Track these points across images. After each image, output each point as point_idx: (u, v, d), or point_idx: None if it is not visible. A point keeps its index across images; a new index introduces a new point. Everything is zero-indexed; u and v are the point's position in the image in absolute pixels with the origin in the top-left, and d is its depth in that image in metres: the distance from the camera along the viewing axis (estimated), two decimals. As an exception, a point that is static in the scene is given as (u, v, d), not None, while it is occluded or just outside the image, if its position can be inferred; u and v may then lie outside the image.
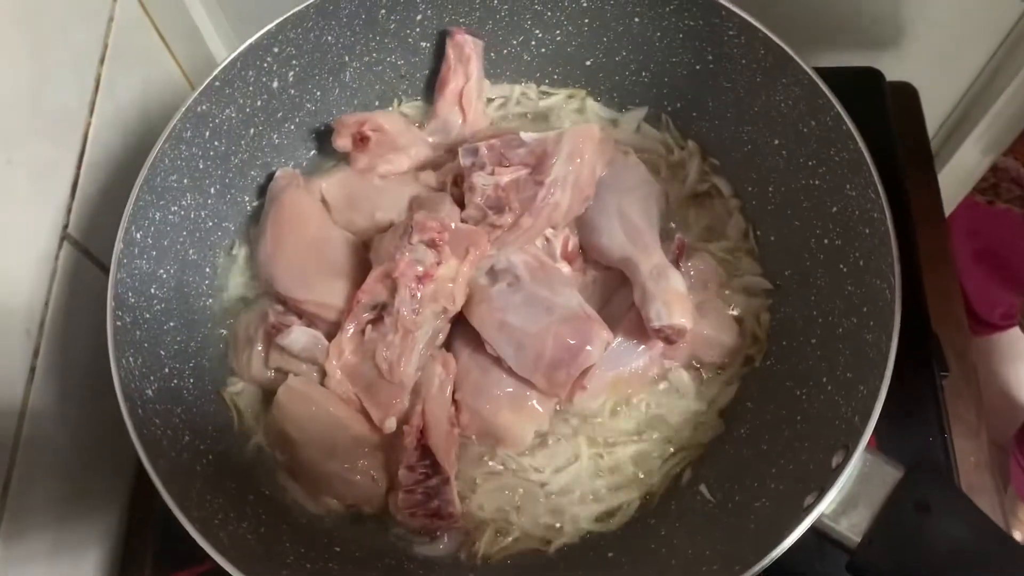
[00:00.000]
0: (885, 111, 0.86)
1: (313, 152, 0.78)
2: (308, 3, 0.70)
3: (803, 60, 0.66)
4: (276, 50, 0.70)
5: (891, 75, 0.89)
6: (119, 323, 0.61)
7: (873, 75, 0.88)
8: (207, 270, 0.71)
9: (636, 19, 0.73)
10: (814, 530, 0.54)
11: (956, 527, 0.53)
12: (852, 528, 0.53)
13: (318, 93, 0.76)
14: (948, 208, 0.95)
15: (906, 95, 0.91)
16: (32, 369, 0.62)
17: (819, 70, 0.65)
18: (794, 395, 0.65)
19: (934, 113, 0.94)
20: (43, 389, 0.63)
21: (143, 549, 0.73)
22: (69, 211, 0.67)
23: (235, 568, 0.54)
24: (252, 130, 0.72)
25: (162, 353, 0.65)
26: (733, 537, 0.60)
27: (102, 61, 0.71)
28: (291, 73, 0.73)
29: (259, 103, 0.72)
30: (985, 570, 0.51)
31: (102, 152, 0.70)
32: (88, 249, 0.68)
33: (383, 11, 0.73)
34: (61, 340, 0.65)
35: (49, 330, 0.64)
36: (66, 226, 0.66)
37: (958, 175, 1.04)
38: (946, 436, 0.73)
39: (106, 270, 0.63)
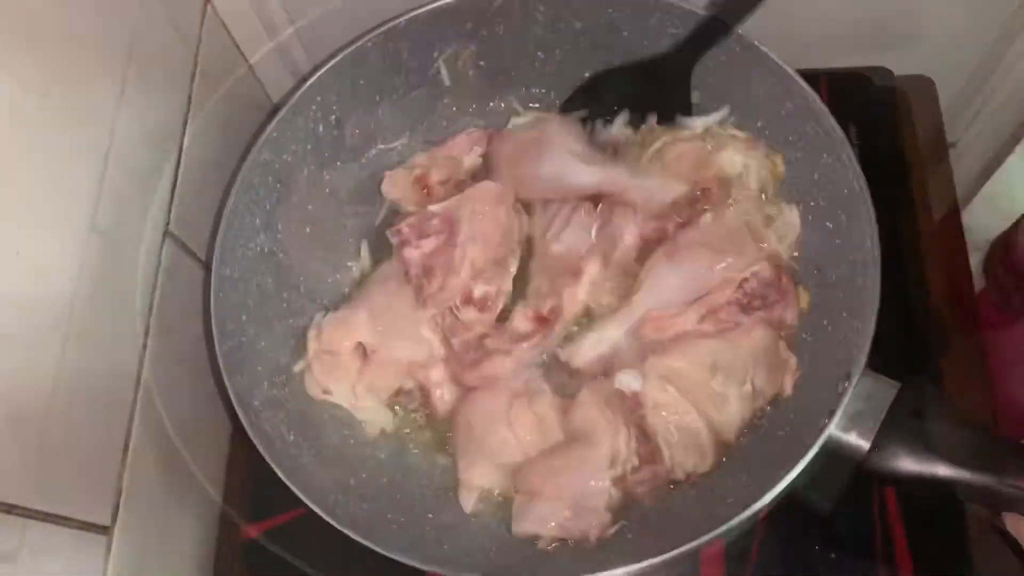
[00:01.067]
0: (895, 106, 0.95)
1: (361, 181, 0.89)
2: (343, 56, 0.81)
3: (813, 62, 0.76)
4: (319, 99, 0.81)
5: (907, 69, 0.96)
6: (225, 348, 0.72)
7: (884, 72, 0.97)
8: (283, 295, 0.82)
9: (624, 33, 0.84)
10: (830, 445, 0.65)
11: (948, 428, 0.63)
12: (860, 438, 0.64)
13: (357, 130, 0.86)
14: (964, 200, 1.01)
15: (922, 87, 0.98)
16: (144, 347, 0.72)
17: (831, 71, 0.75)
18: (800, 338, 0.76)
19: (951, 102, 1.00)
20: (153, 363, 0.73)
21: (242, 503, 0.85)
22: (170, 210, 0.77)
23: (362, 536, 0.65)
24: (305, 170, 0.83)
25: (260, 369, 0.76)
26: (761, 463, 0.71)
27: (193, 79, 0.82)
28: (333, 117, 0.83)
29: (308, 146, 0.82)
30: (971, 460, 0.61)
31: (196, 156, 0.81)
32: (186, 244, 0.80)
33: (405, 54, 0.84)
34: (166, 322, 0.75)
35: (156, 314, 0.74)
36: (168, 223, 0.77)
37: (975, 166, 1.11)
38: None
39: (201, 262, 0.78)
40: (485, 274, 0.80)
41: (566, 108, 0.88)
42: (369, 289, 0.82)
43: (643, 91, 0.85)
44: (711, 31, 0.78)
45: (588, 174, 0.80)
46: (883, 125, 0.94)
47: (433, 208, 0.81)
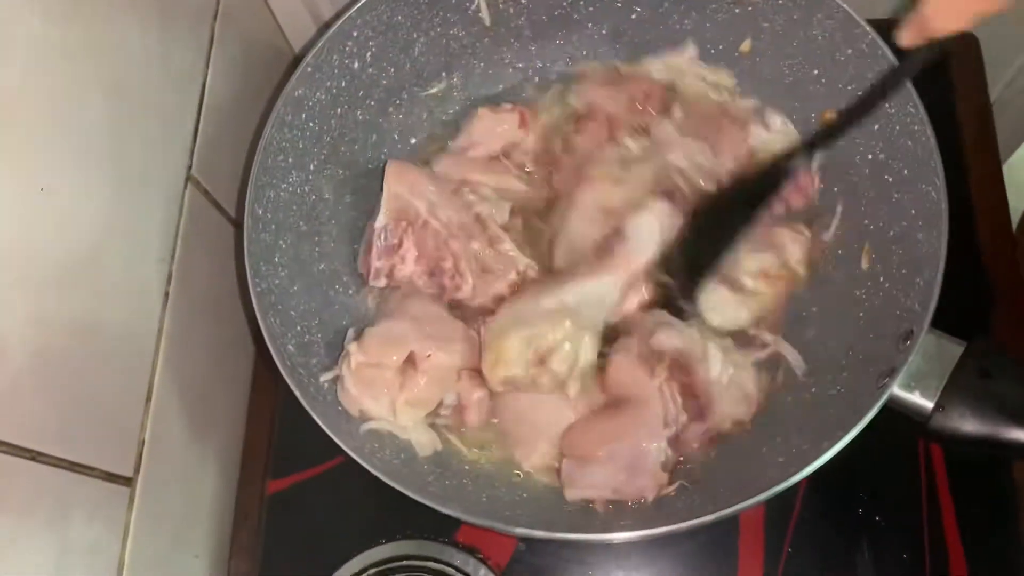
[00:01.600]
0: (942, 64, 0.92)
1: (392, 124, 0.85)
2: (379, -12, 0.77)
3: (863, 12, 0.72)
4: (356, 34, 0.78)
5: None
6: (258, 289, 0.69)
7: None
8: (315, 238, 0.79)
9: (677, -31, 0.80)
10: (891, 405, 0.62)
11: (1014, 388, 0.61)
12: (924, 398, 0.62)
13: (392, 69, 0.83)
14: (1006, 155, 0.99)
15: (967, 44, 0.95)
16: (166, 294, 0.70)
17: (874, 22, 0.71)
18: (853, 296, 0.73)
19: (996, 64, 0.97)
20: (175, 312, 0.71)
21: (262, 456, 0.83)
22: (192, 154, 0.75)
23: (395, 483, 0.62)
24: (339, 109, 0.80)
25: (293, 313, 0.73)
26: (815, 423, 0.68)
27: (215, 18, 0.79)
28: (368, 54, 0.80)
29: (343, 84, 0.79)
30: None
31: (217, 100, 0.78)
32: (208, 191, 0.77)
33: (444, -11, 0.80)
34: (188, 270, 0.73)
35: (179, 260, 0.72)
36: (190, 167, 0.74)
37: (1018, 125, 1.09)
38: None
39: (224, 211, 0.76)
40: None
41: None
42: (402, 300, 0.78)
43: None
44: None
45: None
46: (930, 83, 0.90)
47: (376, 224, 0.77)
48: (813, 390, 0.71)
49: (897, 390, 0.62)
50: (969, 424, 0.60)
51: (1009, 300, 0.83)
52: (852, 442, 0.61)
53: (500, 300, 0.75)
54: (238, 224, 0.82)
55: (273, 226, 0.73)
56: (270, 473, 0.82)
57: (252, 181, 0.71)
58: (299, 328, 0.73)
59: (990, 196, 0.88)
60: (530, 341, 0.68)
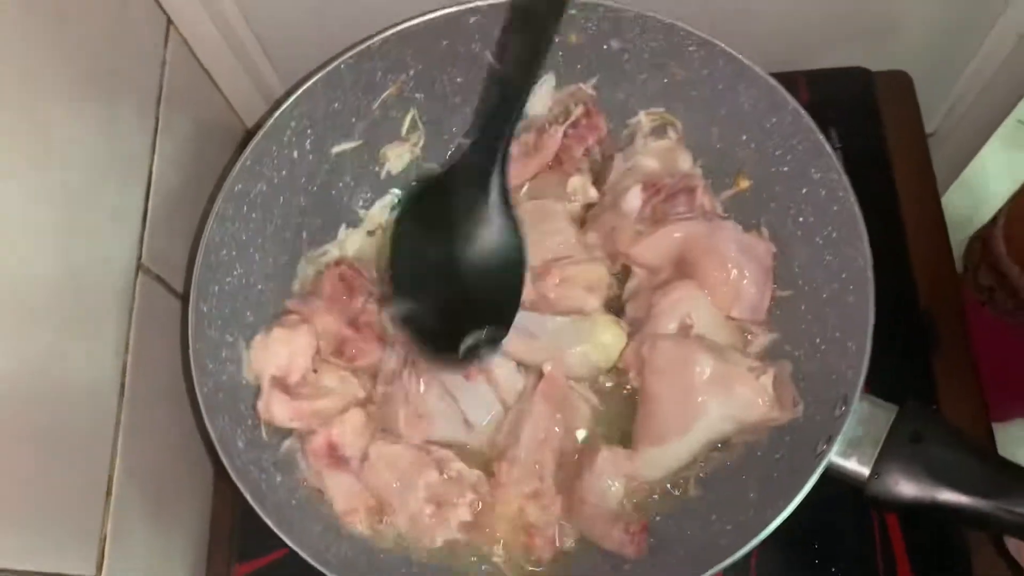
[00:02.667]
0: (874, 102, 0.95)
1: (336, 206, 0.86)
2: (315, 79, 0.78)
3: (794, 64, 0.74)
4: (293, 124, 0.79)
5: (886, 65, 0.97)
6: (205, 390, 0.69)
7: (861, 72, 0.97)
8: (262, 327, 0.80)
9: (604, 46, 0.82)
10: (830, 472, 0.64)
11: (947, 452, 0.62)
12: (860, 464, 0.63)
13: (332, 154, 0.84)
14: (943, 188, 1.01)
15: (901, 82, 0.98)
16: (122, 386, 0.70)
17: (805, 72, 0.73)
18: (793, 356, 0.75)
19: (931, 99, 1.00)
20: (132, 403, 0.71)
21: (226, 541, 0.84)
22: (141, 243, 0.75)
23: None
24: (281, 198, 0.81)
25: (242, 407, 0.73)
26: (760, 489, 0.69)
27: (159, 102, 0.80)
28: (308, 142, 0.81)
29: (284, 173, 0.80)
30: (972, 484, 0.60)
31: (166, 187, 0.79)
32: (160, 276, 0.77)
33: (379, 73, 0.82)
34: (144, 358, 0.73)
35: (134, 350, 0.72)
36: (140, 256, 0.75)
37: (956, 157, 1.14)
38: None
39: (176, 294, 0.76)
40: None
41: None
42: None
43: None
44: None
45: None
46: (863, 125, 0.94)
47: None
48: (759, 453, 0.73)
49: (835, 457, 0.63)
50: (904, 489, 0.61)
51: (953, 347, 0.85)
52: (807, 500, 0.62)
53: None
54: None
55: (219, 321, 0.74)
56: (235, 557, 0.82)
57: (195, 280, 0.72)
58: (249, 422, 0.73)
59: (930, 237, 0.91)
60: None
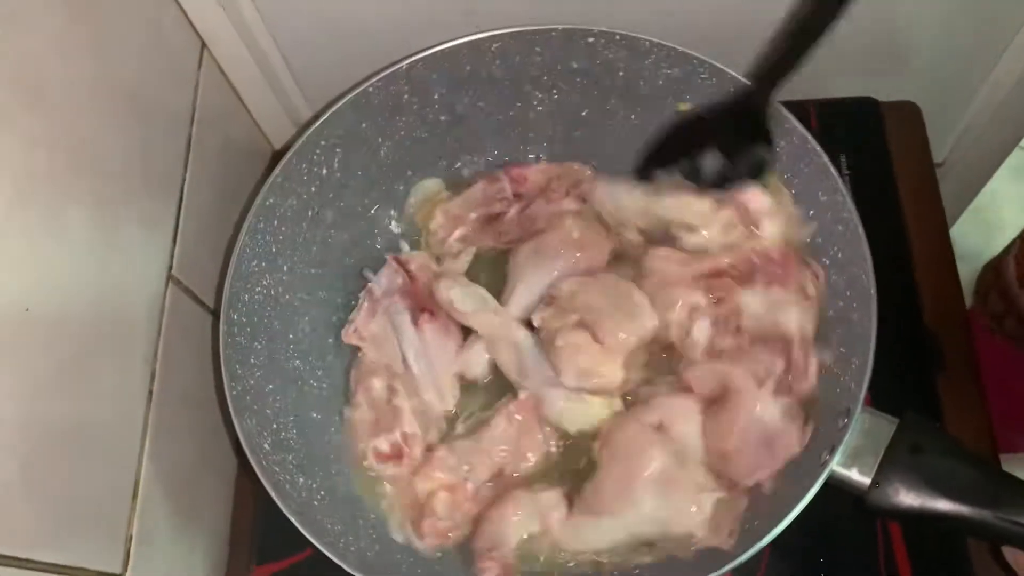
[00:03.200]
0: (882, 131, 0.97)
1: (362, 222, 0.90)
2: (344, 101, 0.82)
3: (799, 93, 0.77)
4: (323, 143, 0.83)
5: (894, 95, 0.99)
6: (234, 392, 0.73)
7: (869, 102, 0.99)
8: (289, 335, 0.83)
9: (620, 73, 0.86)
10: (831, 481, 0.66)
11: (946, 462, 0.65)
12: (861, 474, 0.65)
13: (359, 172, 0.88)
14: (952, 219, 1.03)
15: (909, 113, 1.00)
16: (150, 392, 0.74)
17: (814, 101, 0.76)
18: (802, 371, 0.78)
19: (939, 129, 1.02)
20: (159, 409, 0.74)
21: (247, 543, 0.86)
22: (172, 255, 0.79)
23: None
24: (310, 212, 0.84)
25: (268, 412, 0.76)
26: (763, 498, 0.72)
27: (192, 123, 0.84)
28: (336, 160, 0.85)
29: (313, 189, 0.84)
30: (970, 494, 0.63)
31: (196, 203, 0.83)
32: (189, 288, 0.81)
33: (405, 96, 0.86)
34: (171, 366, 0.76)
35: (162, 358, 0.75)
36: (171, 268, 0.78)
37: (964, 187, 1.16)
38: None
39: (204, 306, 0.80)
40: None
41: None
42: None
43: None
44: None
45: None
46: (871, 153, 0.97)
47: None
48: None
49: (836, 467, 0.66)
50: (903, 498, 0.64)
51: (957, 368, 0.87)
52: (813, 509, 0.64)
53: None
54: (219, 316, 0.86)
55: (248, 329, 0.78)
56: (255, 559, 0.85)
57: (227, 288, 0.75)
58: (275, 426, 0.76)
59: (938, 264, 0.93)
60: None
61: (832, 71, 0.97)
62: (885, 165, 0.96)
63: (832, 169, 0.74)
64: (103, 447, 0.68)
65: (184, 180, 0.83)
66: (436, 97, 0.87)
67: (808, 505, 0.64)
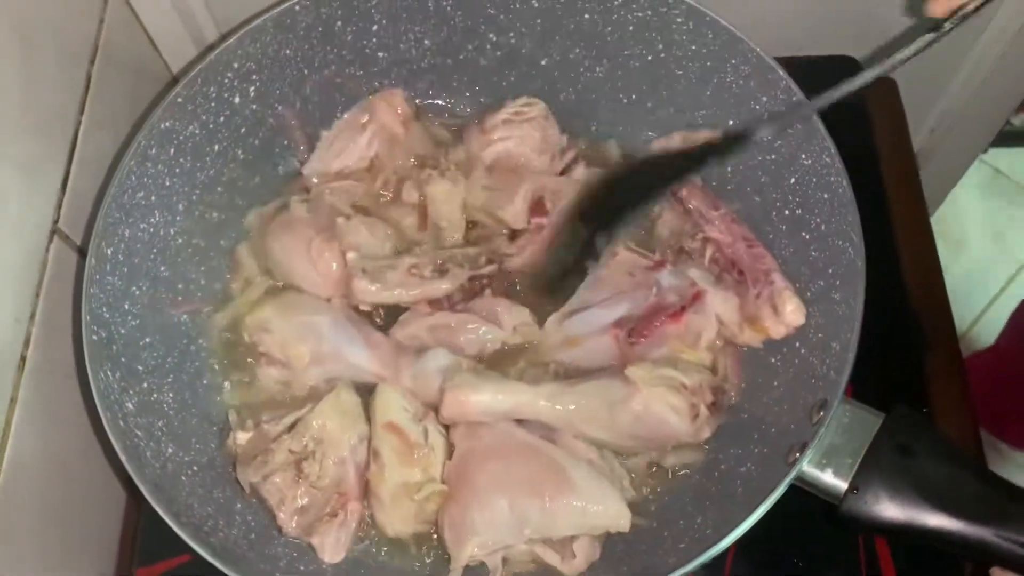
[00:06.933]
0: (862, 97, 0.87)
1: (280, 166, 0.78)
2: (265, 17, 0.71)
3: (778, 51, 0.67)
4: (236, 65, 0.71)
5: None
6: (95, 337, 0.61)
7: (848, 62, 0.89)
8: (179, 286, 0.71)
9: (586, 15, 0.75)
10: (800, 484, 0.55)
11: (939, 467, 0.54)
12: (837, 477, 0.54)
13: (279, 107, 0.76)
14: (933, 207, 0.95)
15: (886, 88, 0.91)
16: (23, 358, 0.62)
17: (790, 59, 0.67)
18: (768, 363, 0.67)
19: (916, 109, 0.94)
20: (34, 379, 0.63)
21: (134, 541, 0.73)
22: (59, 206, 0.67)
23: (230, 570, 0.53)
24: (216, 146, 0.73)
25: (139, 368, 0.65)
26: (721, 503, 0.60)
27: (92, 61, 0.73)
28: (252, 88, 0.73)
29: (222, 119, 0.72)
30: (964, 506, 0.52)
31: (94, 150, 0.71)
32: (79, 244, 0.69)
33: (339, 23, 0.74)
34: (52, 331, 0.65)
35: (40, 322, 0.64)
36: (56, 220, 0.67)
37: (943, 171, 1.07)
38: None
39: None
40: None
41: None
42: None
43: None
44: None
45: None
46: (849, 125, 0.85)
47: None
48: (722, 467, 0.64)
49: (807, 468, 0.55)
50: (886, 508, 0.53)
51: (943, 356, 0.77)
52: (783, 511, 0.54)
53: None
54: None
55: (125, 269, 0.66)
56: (137, 562, 0.71)
57: (102, 216, 0.64)
58: (146, 385, 0.64)
59: (917, 245, 0.83)
60: None
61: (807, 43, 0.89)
62: (867, 145, 0.86)
63: (822, 129, 0.64)
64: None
65: (79, 124, 0.71)
66: (375, 28, 0.76)
67: (781, 504, 0.53)
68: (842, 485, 0.54)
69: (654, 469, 0.65)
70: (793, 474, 0.54)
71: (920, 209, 0.85)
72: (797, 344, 0.65)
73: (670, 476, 0.65)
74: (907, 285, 0.78)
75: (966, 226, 1.60)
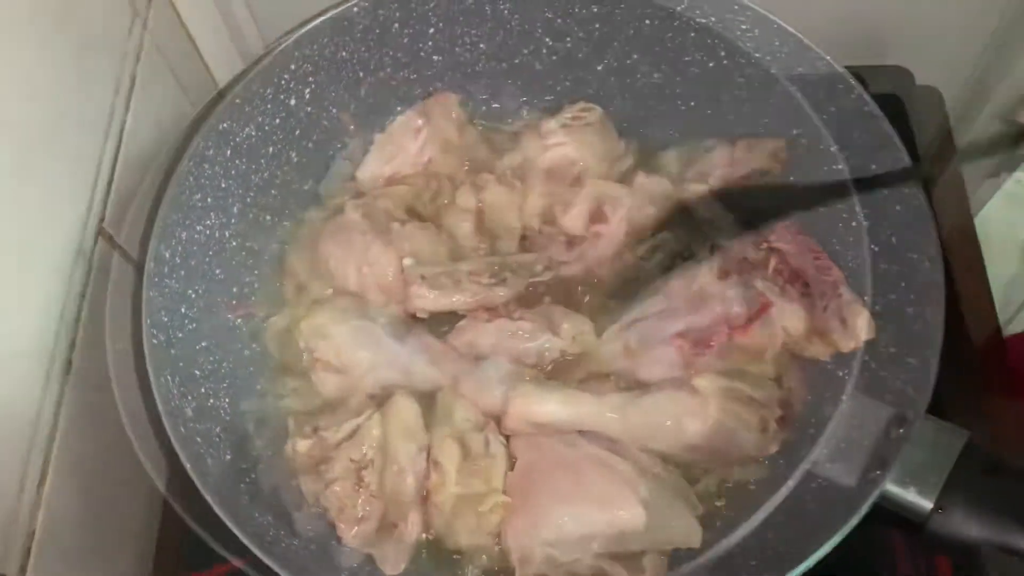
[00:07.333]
0: (912, 107, 0.87)
1: (334, 169, 0.77)
2: (323, 19, 0.70)
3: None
4: (293, 67, 0.71)
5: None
6: (155, 341, 0.59)
7: (902, 73, 0.88)
8: (233, 289, 0.70)
9: (647, 21, 0.74)
10: (884, 503, 0.54)
11: (1025, 487, 0.52)
12: (921, 496, 0.53)
13: (334, 110, 0.75)
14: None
15: (932, 98, 0.91)
16: (69, 362, 0.61)
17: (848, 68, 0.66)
18: (835, 376, 0.65)
19: (960, 117, 0.94)
20: (78, 384, 0.62)
21: (175, 547, 0.71)
22: (105, 205, 0.66)
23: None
24: (271, 148, 0.72)
25: (197, 373, 0.63)
26: (790, 518, 0.59)
27: (137, 60, 0.72)
28: (307, 90, 0.73)
29: (277, 120, 0.72)
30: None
31: (137, 151, 0.70)
32: (123, 246, 0.67)
33: (396, 25, 0.74)
34: (95, 336, 0.63)
35: (86, 324, 0.63)
36: (102, 219, 0.66)
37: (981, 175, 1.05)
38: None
39: (137, 266, 0.64)
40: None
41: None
42: None
43: None
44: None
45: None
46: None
47: None
48: (790, 483, 0.62)
49: (890, 486, 0.53)
50: (974, 528, 0.51)
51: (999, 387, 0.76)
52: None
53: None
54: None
55: (182, 272, 0.65)
56: (183, 566, 0.70)
57: (160, 217, 0.63)
58: (203, 390, 0.63)
59: (965, 250, 0.83)
60: None
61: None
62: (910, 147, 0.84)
63: (895, 137, 0.63)
64: (4, 424, 0.55)
65: (125, 123, 0.69)
66: (431, 31, 0.75)
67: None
68: (927, 504, 0.53)
69: (724, 484, 0.64)
70: (877, 492, 0.53)
71: (966, 218, 0.84)
72: (867, 358, 0.63)
73: (737, 491, 0.64)
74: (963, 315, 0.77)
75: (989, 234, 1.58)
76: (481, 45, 0.78)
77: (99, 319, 0.63)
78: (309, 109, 0.74)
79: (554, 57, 0.78)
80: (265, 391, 0.68)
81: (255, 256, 0.72)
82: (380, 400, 0.66)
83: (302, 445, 0.62)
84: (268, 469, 0.64)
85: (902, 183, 0.62)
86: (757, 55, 0.71)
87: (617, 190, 0.73)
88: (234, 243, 0.70)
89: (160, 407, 0.57)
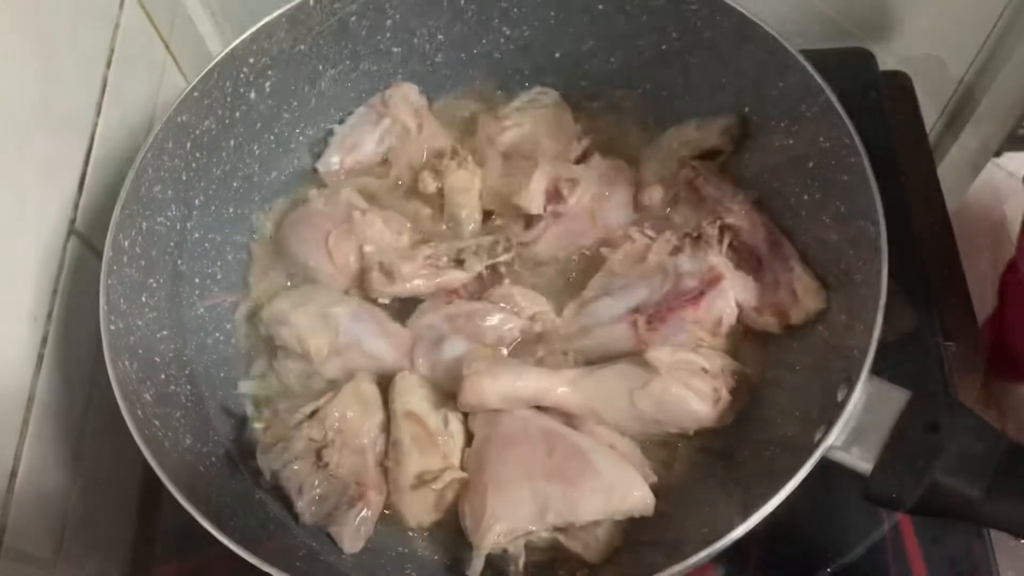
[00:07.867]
0: (878, 91, 0.86)
1: (295, 161, 0.78)
2: (279, 13, 0.71)
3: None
4: (252, 60, 0.71)
5: (884, 65, 0.89)
6: (113, 328, 0.60)
7: (864, 56, 0.89)
8: (196, 280, 0.71)
9: (600, 6, 0.75)
10: (826, 464, 0.54)
11: (968, 443, 0.52)
12: (863, 456, 0.53)
13: (295, 103, 0.76)
14: (951, 201, 0.95)
15: (900, 84, 0.90)
16: (40, 356, 0.62)
17: (807, 52, 0.66)
18: (790, 347, 0.66)
19: (930, 102, 0.94)
20: (50, 377, 0.63)
21: (153, 537, 0.72)
22: (76, 207, 0.67)
23: (256, 559, 0.53)
24: (232, 141, 0.73)
25: (157, 360, 0.64)
26: (746, 487, 0.59)
27: (108, 65, 0.73)
28: (267, 83, 0.74)
29: (237, 114, 0.73)
30: (1001, 481, 0.50)
31: (109, 152, 0.71)
32: (94, 244, 0.69)
33: (353, 18, 0.75)
34: (69, 330, 0.65)
35: (57, 320, 0.64)
36: (73, 220, 0.67)
37: (958, 166, 1.05)
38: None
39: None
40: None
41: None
42: None
43: None
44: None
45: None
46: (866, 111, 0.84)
47: None
48: (745, 452, 0.63)
49: (833, 447, 0.54)
50: (914, 488, 0.51)
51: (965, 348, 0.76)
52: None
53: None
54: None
55: (142, 262, 0.66)
56: (158, 558, 0.71)
57: (118, 208, 0.64)
58: (163, 377, 0.64)
59: (937, 237, 0.83)
60: None
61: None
62: (882, 136, 0.85)
63: (840, 110, 0.63)
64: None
65: (96, 125, 0.71)
66: (388, 23, 0.76)
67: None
68: (868, 465, 0.53)
69: (676, 454, 0.64)
70: (818, 454, 0.53)
71: (938, 203, 0.85)
72: (820, 328, 0.64)
73: (692, 461, 0.64)
74: (929, 278, 0.77)
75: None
76: (439, 36, 0.79)
77: (70, 316, 0.65)
78: (270, 102, 0.74)
79: (511, 46, 0.79)
80: (227, 378, 0.70)
81: (218, 247, 0.73)
82: (342, 385, 0.67)
83: (262, 426, 0.63)
84: (230, 452, 0.66)
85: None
86: (707, 35, 0.72)
87: (572, 170, 0.74)
88: (196, 234, 0.71)
89: (116, 391, 0.57)
